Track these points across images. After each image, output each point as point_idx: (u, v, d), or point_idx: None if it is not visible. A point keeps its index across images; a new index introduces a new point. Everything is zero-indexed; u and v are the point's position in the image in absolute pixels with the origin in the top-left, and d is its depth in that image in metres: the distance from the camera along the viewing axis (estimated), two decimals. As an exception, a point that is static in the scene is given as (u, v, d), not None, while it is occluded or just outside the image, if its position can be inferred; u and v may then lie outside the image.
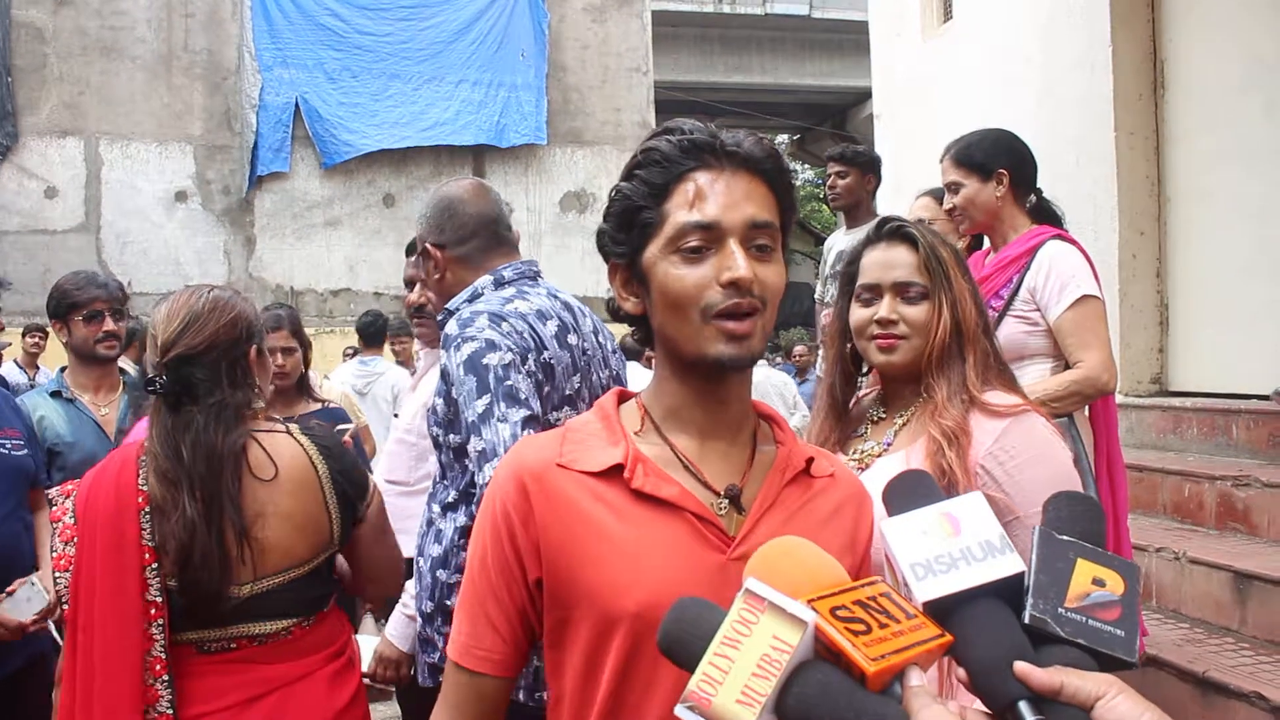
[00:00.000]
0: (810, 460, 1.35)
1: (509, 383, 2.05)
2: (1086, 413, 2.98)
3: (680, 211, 1.24)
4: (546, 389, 2.16)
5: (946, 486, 1.72)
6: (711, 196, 1.23)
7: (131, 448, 2.11)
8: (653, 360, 1.38)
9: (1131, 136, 5.61)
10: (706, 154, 1.26)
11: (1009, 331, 2.91)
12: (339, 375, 7.05)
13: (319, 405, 4.00)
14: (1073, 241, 2.99)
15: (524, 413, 2.05)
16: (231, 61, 11.17)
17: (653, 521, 1.24)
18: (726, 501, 1.27)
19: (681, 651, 0.93)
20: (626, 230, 1.29)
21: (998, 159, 3.05)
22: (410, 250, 3.03)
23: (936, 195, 3.71)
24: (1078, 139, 5.75)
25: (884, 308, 1.89)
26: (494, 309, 2.16)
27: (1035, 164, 3.13)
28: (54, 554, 2.08)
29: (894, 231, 1.94)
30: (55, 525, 2.10)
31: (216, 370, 2.06)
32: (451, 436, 2.20)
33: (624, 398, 1.40)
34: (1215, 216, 5.28)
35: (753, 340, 1.24)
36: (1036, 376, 2.89)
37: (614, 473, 1.27)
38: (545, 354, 2.16)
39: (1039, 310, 2.90)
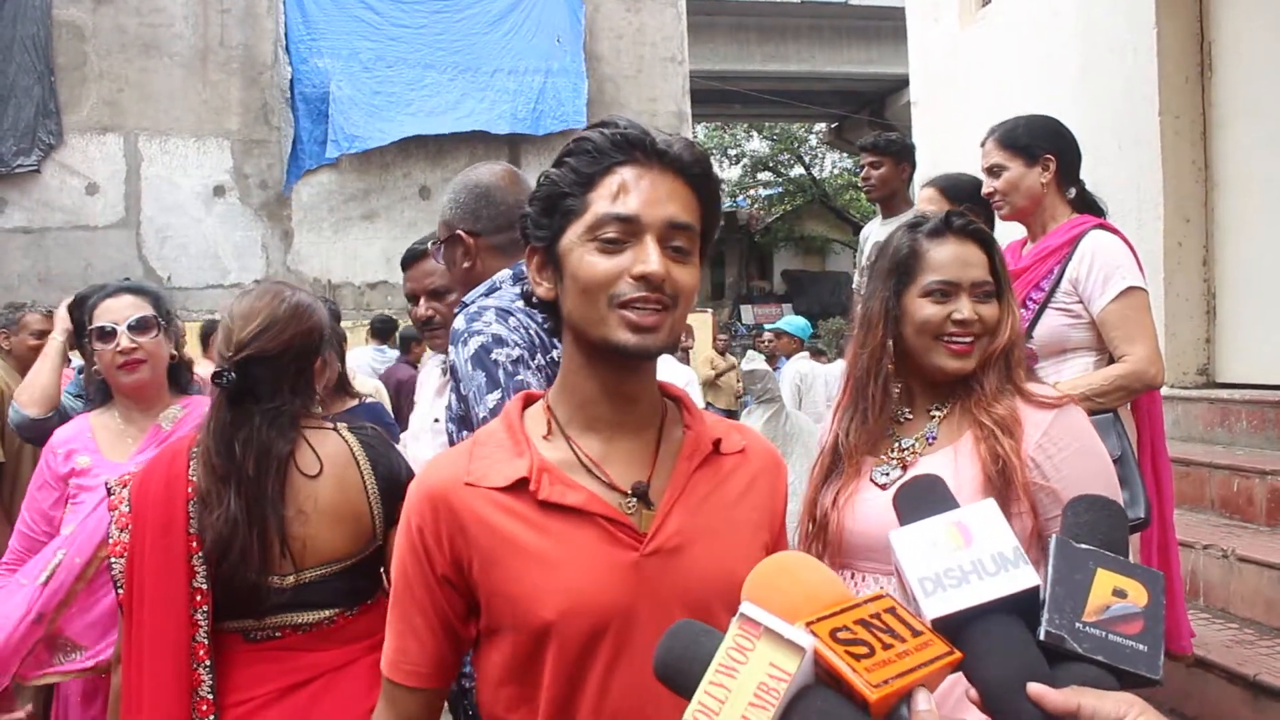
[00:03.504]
0: (718, 440, 1.37)
1: (519, 378, 2.00)
2: (1129, 406, 2.89)
3: (602, 202, 1.27)
4: None
5: (1001, 472, 1.71)
6: (635, 192, 1.27)
7: (185, 439, 2.15)
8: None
9: (1177, 120, 5.47)
10: (637, 150, 1.28)
11: (1050, 325, 2.84)
12: (356, 359, 7.08)
13: (356, 401, 3.96)
14: (1116, 231, 2.91)
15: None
16: (268, 56, 11.22)
17: (563, 529, 1.26)
18: (635, 499, 1.29)
19: (677, 678, 0.91)
20: (549, 215, 1.32)
21: (1044, 144, 2.97)
22: (406, 264, 2.95)
23: (939, 185, 3.63)
24: (1120, 124, 5.61)
25: (965, 308, 1.82)
26: (502, 304, 2.11)
27: (1080, 154, 3.04)
28: (110, 540, 2.12)
29: (964, 228, 1.88)
30: (113, 513, 2.13)
31: (282, 375, 2.07)
32: (465, 433, 2.16)
33: (530, 401, 1.42)
34: (1266, 202, 5.13)
35: (659, 334, 1.25)
36: (1079, 371, 2.82)
37: (521, 485, 1.28)
38: (554, 352, 2.09)
39: (1082, 302, 2.81)
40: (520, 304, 2.13)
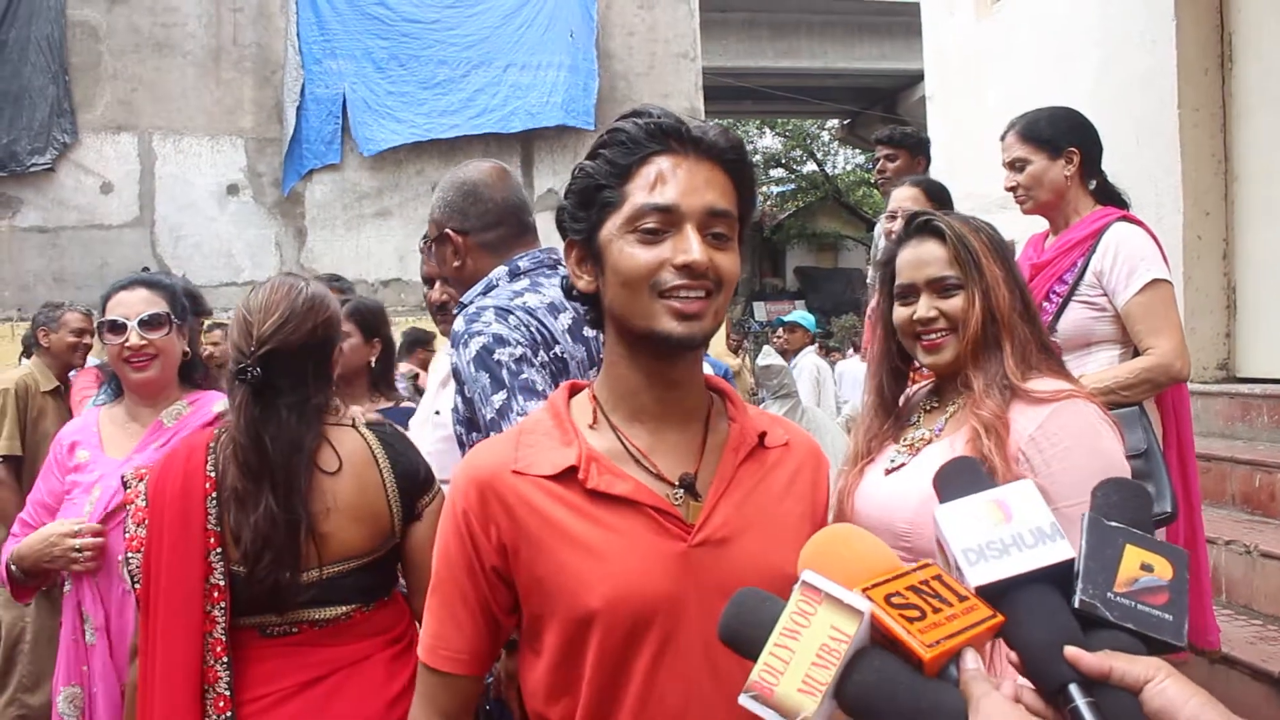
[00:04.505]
0: (763, 434, 1.37)
1: (524, 376, 1.98)
2: (1154, 400, 2.86)
3: (640, 193, 1.26)
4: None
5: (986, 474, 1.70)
6: (673, 181, 1.26)
7: (202, 434, 2.15)
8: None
9: (1196, 113, 5.41)
10: (672, 139, 1.28)
11: (1075, 317, 2.81)
12: None
13: (390, 404, 3.89)
14: (1139, 223, 2.88)
15: (542, 404, 1.97)
16: (280, 55, 11.23)
17: (611, 518, 1.27)
18: (682, 490, 1.30)
19: (742, 642, 0.96)
20: (586, 208, 1.31)
21: (1067, 136, 2.94)
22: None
23: (921, 185, 3.67)
24: (1139, 117, 5.56)
25: (921, 306, 1.87)
26: (500, 303, 2.09)
27: (1102, 145, 3.01)
28: (126, 535, 2.11)
29: (922, 226, 1.91)
30: (129, 507, 2.13)
31: (304, 367, 2.07)
32: (474, 435, 2.14)
33: (576, 390, 1.42)
34: (1287, 195, 5.08)
35: (704, 320, 1.26)
36: (1104, 363, 2.79)
37: (569, 473, 1.28)
38: (557, 348, 2.08)
39: (1106, 295, 2.79)
40: (519, 301, 2.11)
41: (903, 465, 1.85)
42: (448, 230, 2.30)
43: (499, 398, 1.97)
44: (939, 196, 3.70)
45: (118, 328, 2.66)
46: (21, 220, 10.69)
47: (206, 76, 11.15)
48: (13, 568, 2.55)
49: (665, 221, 1.25)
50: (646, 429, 1.33)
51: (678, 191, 1.25)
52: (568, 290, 1.40)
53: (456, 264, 2.31)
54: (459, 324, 2.09)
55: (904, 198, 3.66)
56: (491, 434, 1.97)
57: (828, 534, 1.03)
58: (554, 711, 1.31)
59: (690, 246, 1.23)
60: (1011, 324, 1.82)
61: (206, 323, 4.49)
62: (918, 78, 11.17)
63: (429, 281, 2.91)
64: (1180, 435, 2.90)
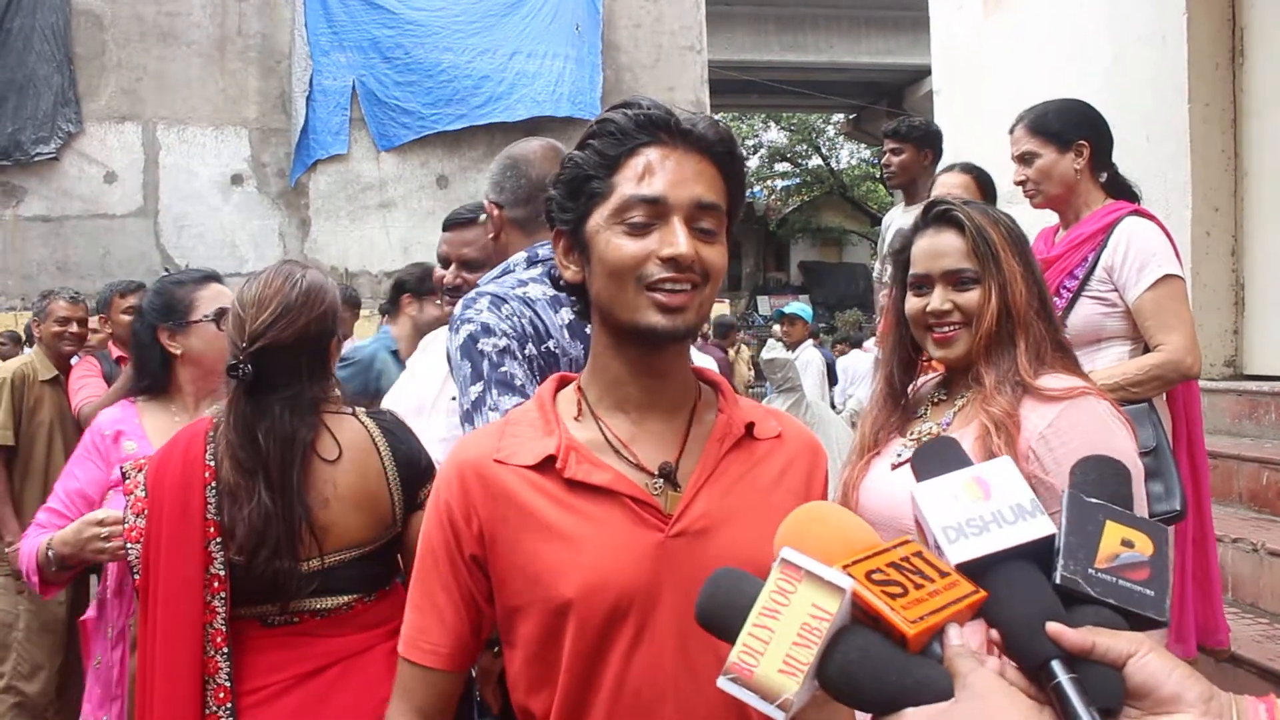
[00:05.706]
0: (751, 424, 1.35)
1: (503, 369, 1.95)
2: (1164, 397, 2.83)
3: (628, 184, 1.26)
4: None
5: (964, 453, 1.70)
6: (661, 173, 1.25)
7: (202, 423, 2.12)
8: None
9: (1206, 109, 5.38)
10: (661, 130, 1.27)
11: (1085, 313, 2.78)
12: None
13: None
14: (1151, 217, 2.84)
15: (517, 400, 1.92)
16: (286, 45, 11.22)
17: (589, 508, 1.27)
18: (661, 480, 1.29)
19: (719, 623, 0.94)
20: (574, 198, 1.30)
21: (1077, 129, 2.90)
22: (447, 225, 2.92)
23: (972, 173, 3.59)
24: (1149, 112, 5.52)
25: (936, 298, 1.83)
26: (500, 291, 2.06)
27: (1112, 137, 2.98)
28: (126, 526, 2.08)
29: (940, 216, 1.87)
30: (128, 498, 2.09)
31: (299, 361, 2.03)
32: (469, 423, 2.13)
33: (564, 383, 1.41)
34: (1297, 192, 5.05)
35: (687, 313, 1.25)
36: (1114, 359, 2.76)
37: (549, 463, 1.28)
38: (549, 343, 2.04)
39: (1117, 290, 2.75)
40: (521, 290, 2.07)
41: (909, 461, 1.82)
42: (487, 200, 2.31)
43: (475, 389, 1.95)
44: (989, 186, 3.60)
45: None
46: (25, 209, 10.69)
47: (211, 66, 11.14)
48: (50, 553, 2.42)
49: (652, 213, 1.24)
50: (630, 419, 1.32)
51: (665, 184, 1.24)
52: (555, 280, 1.39)
53: (491, 235, 2.32)
54: (457, 308, 2.07)
55: (953, 184, 3.53)
56: (465, 425, 1.97)
57: (805, 511, 1.00)
58: (535, 703, 1.31)
59: (677, 239, 1.23)
60: (1027, 321, 1.79)
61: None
62: (924, 72, 11.14)
63: (445, 262, 2.88)
64: (1190, 433, 2.87)
